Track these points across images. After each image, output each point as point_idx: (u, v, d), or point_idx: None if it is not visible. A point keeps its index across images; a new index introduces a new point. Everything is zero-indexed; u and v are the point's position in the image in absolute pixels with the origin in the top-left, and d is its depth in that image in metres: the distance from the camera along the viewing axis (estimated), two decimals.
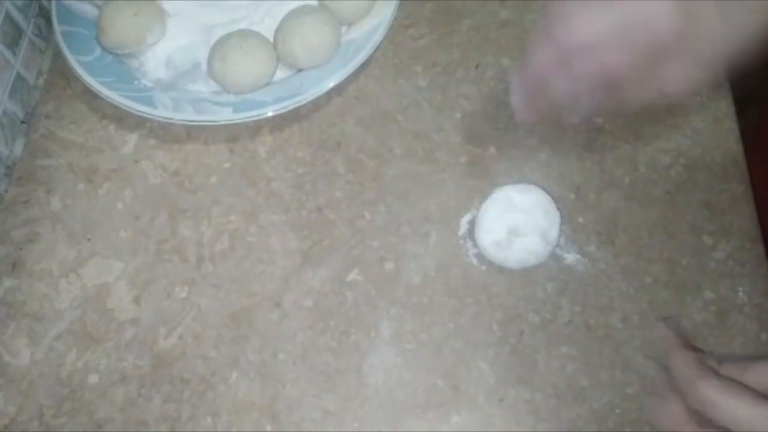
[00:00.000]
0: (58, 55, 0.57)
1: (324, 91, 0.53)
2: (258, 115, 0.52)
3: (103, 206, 0.53)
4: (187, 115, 0.52)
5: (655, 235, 0.52)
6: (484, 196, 0.52)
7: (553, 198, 0.51)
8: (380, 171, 0.54)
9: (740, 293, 0.49)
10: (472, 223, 0.52)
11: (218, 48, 0.53)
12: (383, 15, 0.56)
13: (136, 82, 0.54)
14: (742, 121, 0.57)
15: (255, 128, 0.56)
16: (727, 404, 0.33)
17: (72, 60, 0.54)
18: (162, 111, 0.52)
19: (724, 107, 0.57)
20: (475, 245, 0.51)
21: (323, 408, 0.46)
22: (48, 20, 0.58)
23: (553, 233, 0.50)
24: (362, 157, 0.55)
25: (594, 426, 0.46)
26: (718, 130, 0.56)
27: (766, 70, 0.36)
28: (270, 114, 0.52)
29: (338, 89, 0.57)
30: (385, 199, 0.53)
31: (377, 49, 0.56)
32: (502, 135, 0.56)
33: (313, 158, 0.55)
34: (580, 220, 0.52)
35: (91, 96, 0.56)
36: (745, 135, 0.56)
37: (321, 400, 0.46)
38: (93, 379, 0.47)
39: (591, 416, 0.46)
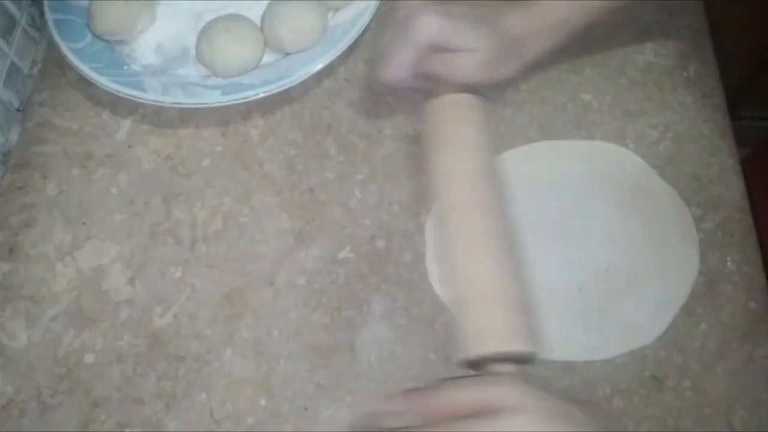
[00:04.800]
0: (52, 45, 0.58)
1: (311, 74, 0.54)
2: (246, 98, 0.52)
3: (98, 191, 0.54)
4: (176, 98, 0.52)
5: None
6: None
7: None
8: (371, 151, 0.55)
9: (729, 263, 0.50)
10: None
11: (206, 32, 0.53)
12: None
13: (126, 68, 0.55)
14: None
15: (246, 112, 0.56)
16: None
17: (63, 46, 0.54)
18: (151, 95, 0.52)
19: (712, 82, 0.57)
20: None
21: (317, 383, 0.47)
22: (41, 11, 0.59)
23: None
24: (353, 138, 0.56)
25: (585, 395, 0.46)
26: (706, 105, 0.56)
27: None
28: (259, 96, 0.53)
29: (328, 72, 0.57)
30: (376, 178, 0.54)
31: (366, 32, 0.57)
32: (492, 114, 0.56)
33: (305, 140, 0.56)
34: None
35: (84, 84, 0.57)
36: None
37: (315, 375, 0.47)
38: (89, 358, 0.48)
39: (582, 386, 0.46)
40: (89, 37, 0.56)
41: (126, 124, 0.57)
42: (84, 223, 0.53)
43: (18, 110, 0.58)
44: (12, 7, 0.58)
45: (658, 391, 0.46)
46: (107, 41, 0.56)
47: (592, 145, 0.54)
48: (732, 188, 0.53)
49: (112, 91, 0.54)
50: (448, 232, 0.38)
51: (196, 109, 0.55)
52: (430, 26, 0.40)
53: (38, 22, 0.61)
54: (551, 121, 0.56)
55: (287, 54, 0.56)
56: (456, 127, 0.41)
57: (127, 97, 0.53)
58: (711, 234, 0.51)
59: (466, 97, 0.42)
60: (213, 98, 0.53)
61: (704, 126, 0.55)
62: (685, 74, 0.57)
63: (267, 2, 0.56)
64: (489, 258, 0.37)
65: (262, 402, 0.46)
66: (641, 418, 0.45)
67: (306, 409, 0.46)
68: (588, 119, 0.56)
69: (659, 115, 0.56)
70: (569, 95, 0.57)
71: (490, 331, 0.35)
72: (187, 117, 0.56)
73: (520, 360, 0.35)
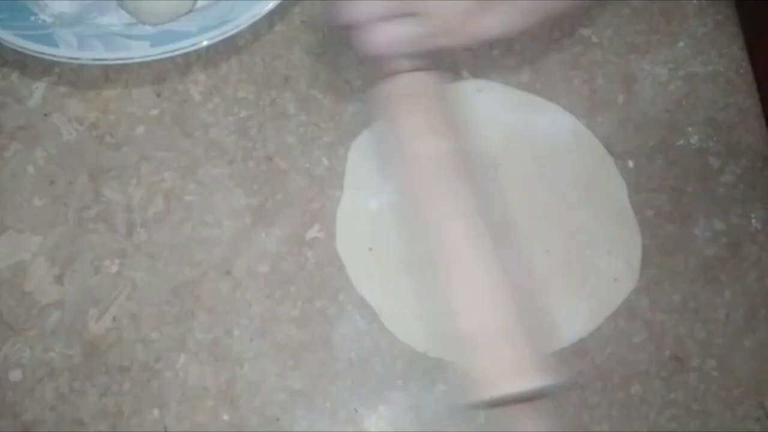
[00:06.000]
0: None
1: (259, 16, 0.46)
2: (182, 49, 0.44)
3: (11, 172, 0.46)
4: (95, 54, 0.44)
5: (654, 161, 0.47)
6: None
7: None
8: (338, 108, 0.48)
9: (753, 220, 0.45)
10: None
11: None
12: None
13: (33, 18, 0.46)
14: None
15: (185, 66, 0.48)
16: None
17: None
18: (65, 50, 0.44)
19: (725, 8, 0.51)
20: None
21: (289, 388, 0.41)
22: None
23: None
24: (315, 93, 0.48)
25: (599, 382, 0.41)
26: (720, 36, 0.50)
27: None
28: (198, 46, 0.45)
29: (280, 14, 0.49)
30: (345, 141, 0.47)
31: None
32: (477, 56, 0.49)
33: (258, 98, 0.48)
34: None
35: None
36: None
37: (286, 380, 0.41)
38: (16, 375, 0.41)
39: (594, 371, 0.42)
40: None
41: (40, 87, 0.48)
42: None
43: None
44: None
45: (680, 373, 0.42)
46: None
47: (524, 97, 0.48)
48: (753, 133, 0.47)
49: (18, 48, 0.45)
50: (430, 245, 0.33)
51: (122, 65, 0.47)
52: None
53: None
54: (544, 62, 0.49)
55: None
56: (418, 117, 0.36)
57: (36, 54, 0.45)
58: (732, 188, 0.46)
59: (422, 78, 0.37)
60: (141, 51, 0.44)
61: (719, 61, 0.49)
62: (695, 0, 0.51)
63: None
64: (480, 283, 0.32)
65: (225, 416, 0.40)
66: (663, 404, 0.41)
67: (278, 420, 0.40)
68: (587, 58, 0.49)
69: (668, 51, 0.49)
70: (565, 30, 0.50)
71: (498, 371, 0.31)
72: (112, 75, 0.48)
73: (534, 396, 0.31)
